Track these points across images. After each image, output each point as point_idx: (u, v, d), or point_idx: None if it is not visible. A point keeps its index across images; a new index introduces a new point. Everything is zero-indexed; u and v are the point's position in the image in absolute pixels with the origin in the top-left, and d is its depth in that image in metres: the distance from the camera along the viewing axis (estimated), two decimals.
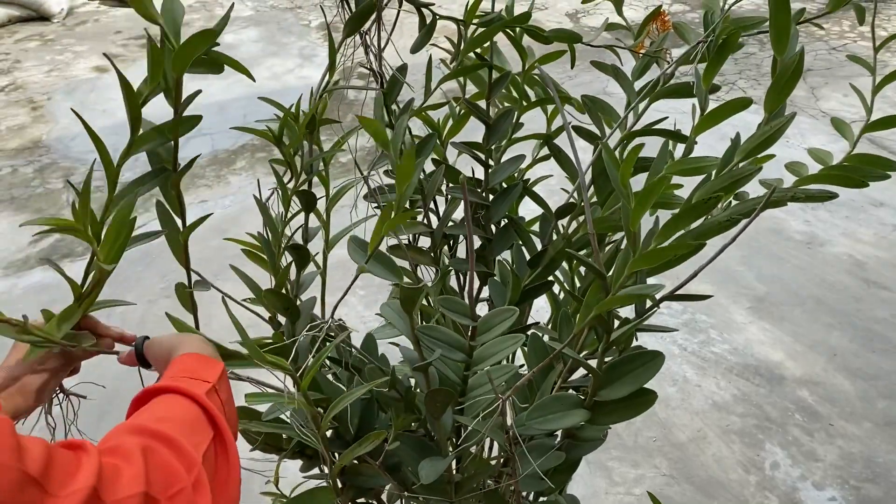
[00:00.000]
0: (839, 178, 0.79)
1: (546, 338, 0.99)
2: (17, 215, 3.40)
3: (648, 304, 0.85)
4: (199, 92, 0.77)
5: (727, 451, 2.20)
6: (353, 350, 0.96)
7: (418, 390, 0.91)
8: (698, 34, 0.90)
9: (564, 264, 1.08)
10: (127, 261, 0.70)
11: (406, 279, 0.87)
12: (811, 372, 2.48)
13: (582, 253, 0.99)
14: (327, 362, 0.99)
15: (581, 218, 1.03)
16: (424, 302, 1.10)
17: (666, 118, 0.99)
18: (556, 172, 1.10)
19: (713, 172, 0.78)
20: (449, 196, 1.07)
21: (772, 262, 3.02)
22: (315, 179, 0.98)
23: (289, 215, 0.94)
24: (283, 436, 0.95)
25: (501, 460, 0.99)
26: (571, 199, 1.05)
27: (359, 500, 1.01)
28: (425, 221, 1.06)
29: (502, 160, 1.08)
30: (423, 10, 0.95)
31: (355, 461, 0.91)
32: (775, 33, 0.71)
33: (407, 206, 1.02)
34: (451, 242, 1.12)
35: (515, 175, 1.09)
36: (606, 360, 0.82)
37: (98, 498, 0.48)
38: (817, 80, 4.61)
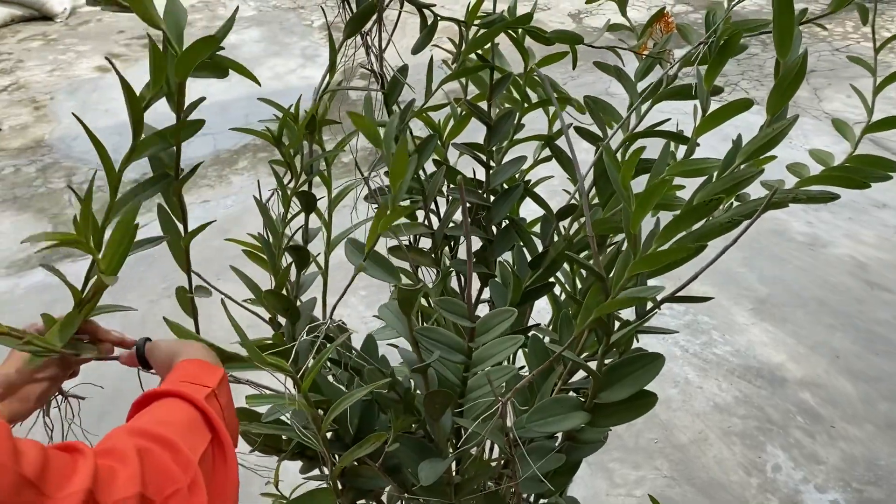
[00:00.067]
0: (840, 179, 0.78)
1: (546, 339, 0.99)
2: (20, 215, 3.41)
3: (649, 305, 0.85)
4: (202, 99, 0.77)
5: (728, 453, 2.20)
6: (354, 351, 0.96)
7: (417, 392, 0.91)
8: (701, 35, 0.89)
9: (566, 265, 1.08)
10: (128, 261, 0.70)
11: (406, 280, 0.87)
12: (813, 374, 2.48)
13: (583, 255, 0.99)
14: (328, 363, 0.99)
15: (583, 219, 1.03)
16: (425, 303, 1.10)
17: (668, 120, 0.98)
18: (557, 173, 1.10)
19: (714, 174, 0.78)
20: (450, 197, 1.07)
21: (774, 264, 3.02)
22: (316, 180, 0.98)
23: (289, 216, 0.94)
24: (283, 437, 0.95)
25: (501, 462, 0.98)
26: (573, 201, 1.05)
27: (359, 502, 1.01)
28: (426, 222, 1.05)
29: (503, 161, 1.08)
30: (425, 10, 0.95)
31: (355, 462, 0.91)
32: (779, 35, 0.71)
33: (406, 204, 1.02)
34: (453, 243, 1.12)
35: (517, 176, 1.08)
36: (607, 362, 0.81)
37: (94, 500, 0.48)
38: (821, 81, 4.60)
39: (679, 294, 0.74)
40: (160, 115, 0.76)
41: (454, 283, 1.12)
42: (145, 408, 0.64)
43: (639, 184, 0.70)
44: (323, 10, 1.08)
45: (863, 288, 2.87)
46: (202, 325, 0.92)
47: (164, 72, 0.69)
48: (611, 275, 0.74)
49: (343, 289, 0.96)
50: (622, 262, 0.73)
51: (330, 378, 0.96)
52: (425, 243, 1.10)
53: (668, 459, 2.18)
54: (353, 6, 0.88)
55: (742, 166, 0.76)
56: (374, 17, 0.89)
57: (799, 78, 0.72)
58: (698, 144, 0.89)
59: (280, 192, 0.94)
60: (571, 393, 0.92)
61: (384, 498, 1.04)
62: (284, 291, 0.95)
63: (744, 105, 0.79)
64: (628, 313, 0.85)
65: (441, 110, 1.06)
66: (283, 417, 0.88)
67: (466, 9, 0.94)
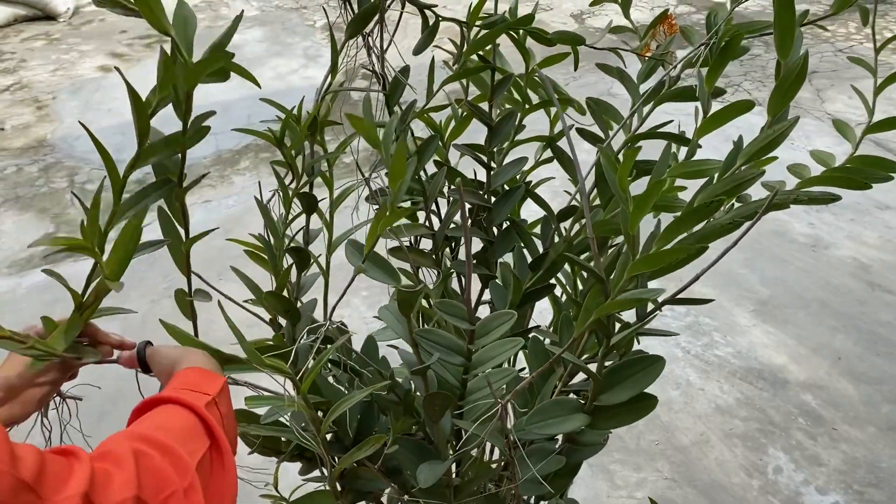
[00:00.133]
0: (841, 179, 0.78)
1: (547, 341, 0.99)
2: (22, 214, 3.41)
3: (650, 307, 0.85)
4: (212, 113, 0.76)
5: (730, 455, 2.19)
6: (354, 353, 0.96)
7: (417, 394, 0.91)
8: (702, 37, 0.89)
9: (567, 267, 1.08)
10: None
11: (406, 281, 0.87)
12: (815, 376, 2.47)
13: (584, 256, 0.99)
14: (328, 365, 0.99)
15: (584, 220, 1.02)
16: (426, 304, 1.10)
17: (671, 121, 0.98)
18: (559, 174, 1.10)
19: (716, 176, 0.78)
20: (451, 198, 1.07)
21: (775, 265, 3.01)
22: (318, 180, 0.98)
23: (290, 217, 0.94)
24: (283, 439, 0.95)
25: (501, 464, 0.98)
26: (574, 202, 1.05)
27: None
28: (427, 224, 1.05)
29: (504, 162, 1.08)
30: (426, 11, 0.95)
31: (355, 464, 0.91)
32: (779, 35, 0.70)
33: (406, 205, 1.02)
34: (453, 245, 1.12)
35: (518, 177, 1.08)
36: (607, 364, 0.81)
37: (90, 503, 0.49)
38: (823, 81, 4.59)
39: (680, 296, 0.74)
40: (161, 115, 0.76)
41: (455, 285, 1.12)
42: (145, 414, 0.64)
43: (641, 186, 0.70)
44: (325, 10, 1.08)
45: (865, 289, 2.86)
46: (204, 326, 0.92)
47: (172, 80, 0.69)
48: (611, 276, 0.73)
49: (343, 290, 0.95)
50: (622, 264, 0.72)
51: (330, 379, 0.96)
52: (426, 244, 1.10)
53: (669, 461, 2.17)
54: (355, 7, 0.88)
55: (743, 168, 0.76)
56: (376, 17, 0.89)
57: (800, 79, 0.71)
58: (700, 146, 0.89)
59: (281, 193, 0.94)
60: (572, 395, 0.92)
61: (384, 500, 1.04)
62: (285, 293, 0.95)
63: (745, 106, 0.79)
64: (629, 315, 0.85)
65: (442, 111, 1.06)
66: (282, 419, 0.88)
67: (468, 9, 0.94)
